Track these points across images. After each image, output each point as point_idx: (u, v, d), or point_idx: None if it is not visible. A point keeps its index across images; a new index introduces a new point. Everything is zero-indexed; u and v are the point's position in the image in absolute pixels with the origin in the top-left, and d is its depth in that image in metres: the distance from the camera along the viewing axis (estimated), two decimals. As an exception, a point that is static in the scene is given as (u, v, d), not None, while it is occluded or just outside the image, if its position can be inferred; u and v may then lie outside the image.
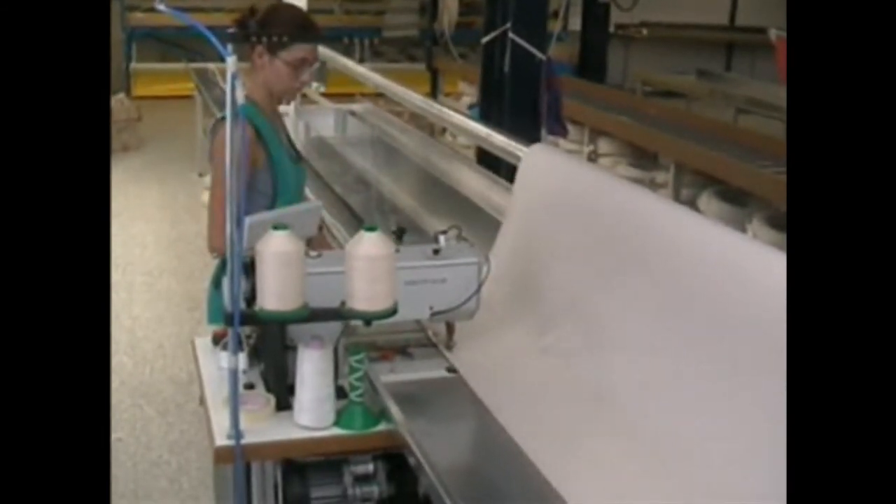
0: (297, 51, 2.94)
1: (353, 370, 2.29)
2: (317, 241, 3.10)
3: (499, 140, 4.64)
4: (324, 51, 5.93)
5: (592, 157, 8.43)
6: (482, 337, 2.71)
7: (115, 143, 9.76)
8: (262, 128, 2.96)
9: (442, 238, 2.65)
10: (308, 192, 3.68)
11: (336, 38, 13.00)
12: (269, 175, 2.96)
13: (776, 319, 1.89)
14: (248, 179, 2.85)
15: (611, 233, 2.66)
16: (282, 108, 3.31)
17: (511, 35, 5.40)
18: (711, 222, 2.51)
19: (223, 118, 2.85)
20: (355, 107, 6.75)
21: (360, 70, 8.12)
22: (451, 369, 2.58)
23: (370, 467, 2.37)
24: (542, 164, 3.22)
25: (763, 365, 1.99)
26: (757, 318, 2.07)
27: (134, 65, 13.87)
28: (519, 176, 3.30)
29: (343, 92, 8.49)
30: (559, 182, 3.04)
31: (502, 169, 4.90)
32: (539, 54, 5.39)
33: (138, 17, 13.33)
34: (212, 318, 3.12)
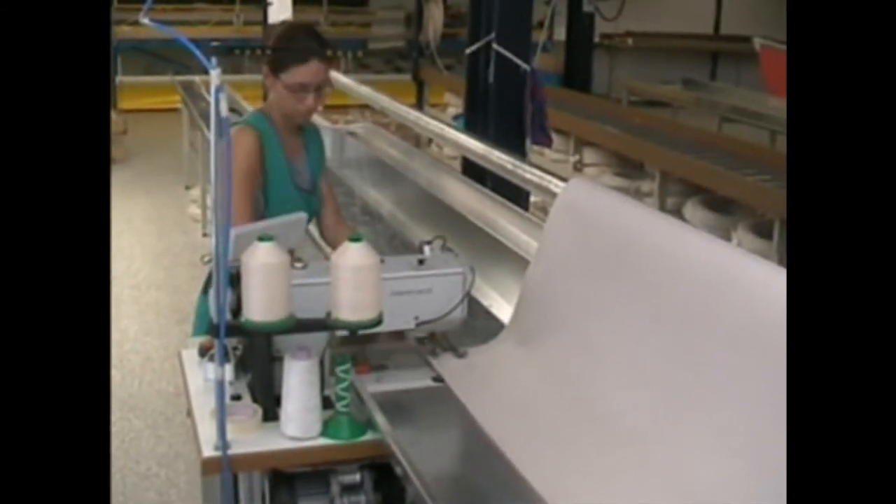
0: (295, 74, 2.89)
1: (339, 380, 2.30)
2: (336, 227, 3.18)
3: (495, 156, 4.69)
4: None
5: (578, 167, 8.46)
6: (469, 348, 2.73)
7: (102, 156, 9.75)
8: (268, 142, 2.96)
9: (427, 248, 2.66)
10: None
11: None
12: (263, 195, 2.96)
13: (775, 331, 1.90)
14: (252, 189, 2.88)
15: (625, 258, 2.57)
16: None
17: (495, 46, 5.43)
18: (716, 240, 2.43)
19: (235, 124, 2.88)
20: (354, 126, 6.68)
21: (347, 82, 8.13)
22: (438, 378, 2.59)
23: (357, 477, 2.37)
24: (581, 200, 2.90)
25: (763, 378, 1.99)
26: (757, 331, 2.06)
27: (120, 78, 13.86)
28: (556, 210, 2.92)
29: (331, 103, 8.50)
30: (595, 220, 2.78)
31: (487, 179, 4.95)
32: (523, 64, 5.42)
33: (124, 31, 13.32)
34: (197, 331, 3.13)
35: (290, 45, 2.91)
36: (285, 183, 2.99)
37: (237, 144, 2.88)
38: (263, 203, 2.96)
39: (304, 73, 2.90)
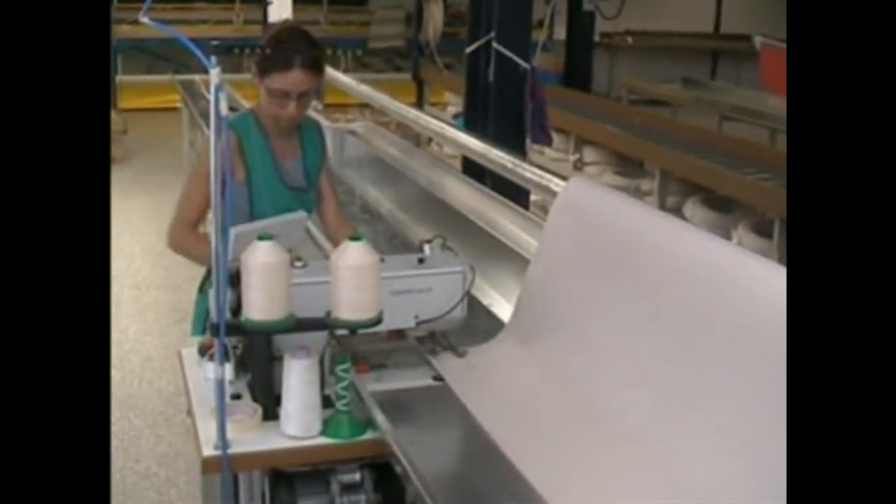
0: (277, 80, 2.83)
1: (339, 379, 2.30)
2: (338, 224, 3.16)
3: (495, 155, 4.69)
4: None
5: (578, 166, 8.46)
6: (469, 347, 2.73)
7: (102, 155, 9.76)
8: (250, 141, 2.95)
9: (427, 247, 2.66)
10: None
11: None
12: (246, 192, 2.95)
13: (775, 330, 1.90)
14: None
15: (622, 257, 2.57)
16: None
17: (495, 45, 5.43)
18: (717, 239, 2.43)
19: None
20: (354, 125, 6.64)
21: (347, 81, 8.13)
22: (438, 377, 2.59)
23: (357, 476, 2.38)
24: (582, 199, 2.88)
25: (764, 377, 1.98)
26: (757, 330, 2.06)
27: (120, 77, 13.85)
28: (556, 209, 2.90)
29: (331, 102, 8.50)
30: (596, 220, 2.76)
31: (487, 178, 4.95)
32: (523, 63, 5.42)
33: (124, 30, 13.31)
34: (196, 330, 3.13)
35: (275, 51, 2.84)
36: (272, 181, 2.97)
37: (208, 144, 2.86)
38: (248, 201, 2.94)
39: (285, 80, 2.84)
